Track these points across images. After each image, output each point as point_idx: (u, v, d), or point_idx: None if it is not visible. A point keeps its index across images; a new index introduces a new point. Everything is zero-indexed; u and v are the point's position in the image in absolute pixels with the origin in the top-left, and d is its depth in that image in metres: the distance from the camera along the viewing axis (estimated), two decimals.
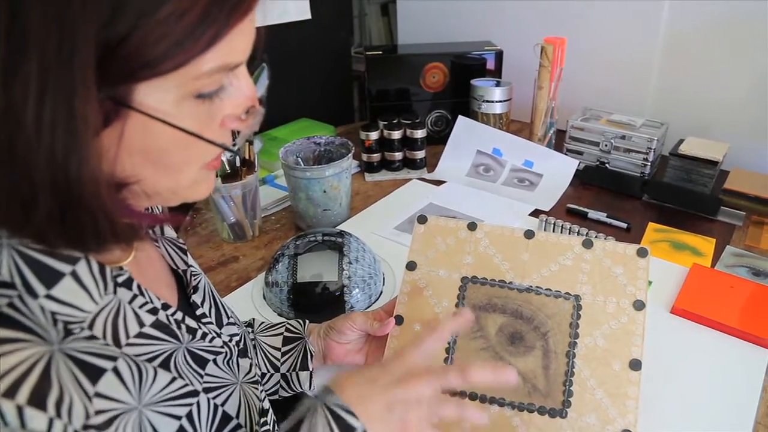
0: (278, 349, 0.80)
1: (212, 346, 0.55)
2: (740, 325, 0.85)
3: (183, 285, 0.61)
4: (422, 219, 0.79)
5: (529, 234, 0.75)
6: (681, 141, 1.26)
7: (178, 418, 0.48)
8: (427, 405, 0.54)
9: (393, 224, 1.20)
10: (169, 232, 0.62)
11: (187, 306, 0.58)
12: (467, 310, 0.68)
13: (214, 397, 0.53)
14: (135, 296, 0.48)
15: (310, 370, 0.78)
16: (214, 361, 0.55)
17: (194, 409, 0.50)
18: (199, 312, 0.59)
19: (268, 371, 0.79)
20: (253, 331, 0.83)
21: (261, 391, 0.63)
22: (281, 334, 0.81)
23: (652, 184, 1.26)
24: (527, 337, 0.71)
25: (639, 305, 0.70)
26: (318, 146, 1.27)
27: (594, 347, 0.70)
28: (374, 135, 1.40)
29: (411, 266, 0.77)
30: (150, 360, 0.48)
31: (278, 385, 0.80)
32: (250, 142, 1.18)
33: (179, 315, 0.53)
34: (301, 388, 0.79)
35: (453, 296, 0.75)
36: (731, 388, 0.78)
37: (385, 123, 1.41)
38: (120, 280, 0.47)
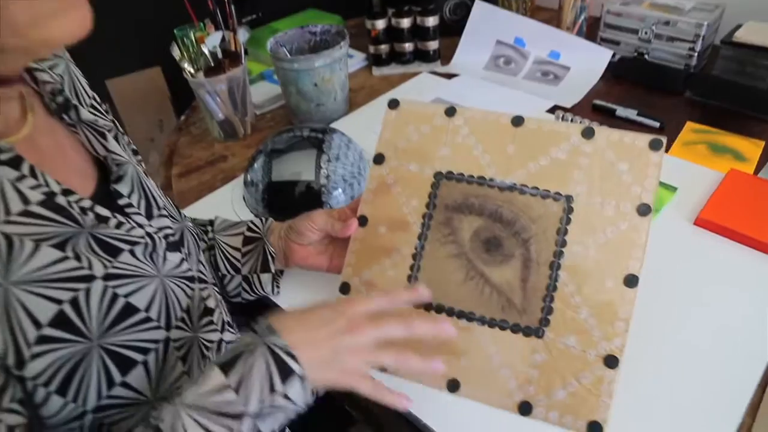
0: (238, 250, 0.72)
1: (128, 236, 0.50)
2: None
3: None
4: (393, 103, 0.67)
5: (517, 121, 0.63)
6: (738, 27, 1.06)
7: (59, 302, 0.44)
8: (370, 351, 0.51)
9: None
10: (86, 115, 0.54)
11: (107, 195, 0.52)
12: (425, 290, 0.56)
13: (116, 286, 0.48)
14: (23, 177, 0.43)
15: (273, 272, 0.70)
16: (131, 251, 0.50)
17: (82, 295, 0.45)
18: (122, 201, 0.53)
19: (229, 273, 0.72)
20: (212, 230, 0.75)
21: (205, 289, 0.59)
22: (242, 233, 0.73)
23: (698, 78, 1.08)
24: (506, 244, 0.60)
25: (644, 210, 0.57)
26: (313, 36, 1.14)
27: (584, 258, 0.58)
28: (381, 24, 1.25)
29: (378, 159, 0.66)
30: (41, 240, 0.43)
31: (240, 287, 0.73)
32: (235, 33, 1.06)
33: (87, 202, 0.48)
34: (264, 291, 0.73)
35: (424, 195, 0.64)
36: (755, 311, 0.65)
37: (394, 10, 1.25)
38: (2, 158, 0.42)
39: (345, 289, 0.65)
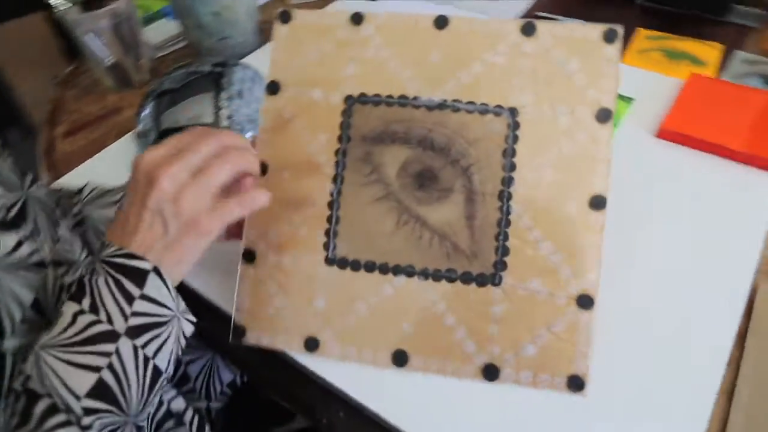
0: None
1: None
2: (748, 147, 0.62)
3: None
4: (285, 16, 0.53)
5: (441, 22, 0.50)
6: None
7: None
8: (186, 184, 0.40)
9: None
10: None
11: None
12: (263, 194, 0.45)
13: None
14: None
15: None
16: None
17: None
18: None
19: None
20: (81, 201, 0.59)
21: (66, 274, 0.45)
22: (118, 201, 0.58)
23: None
24: (442, 176, 0.48)
25: (604, 115, 0.47)
26: None
27: (538, 182, 0.47)
28: None
29: (272, 88, 0.52)
30: None
31: None
32: None
33: None
34: None
35: (334, 126, 0.50)
36: (727, 226, 0.57)
37: None
38: None
39: (250, 257, 0.51)
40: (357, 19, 0.51)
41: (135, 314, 0.38)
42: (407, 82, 0.50)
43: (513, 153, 0.47)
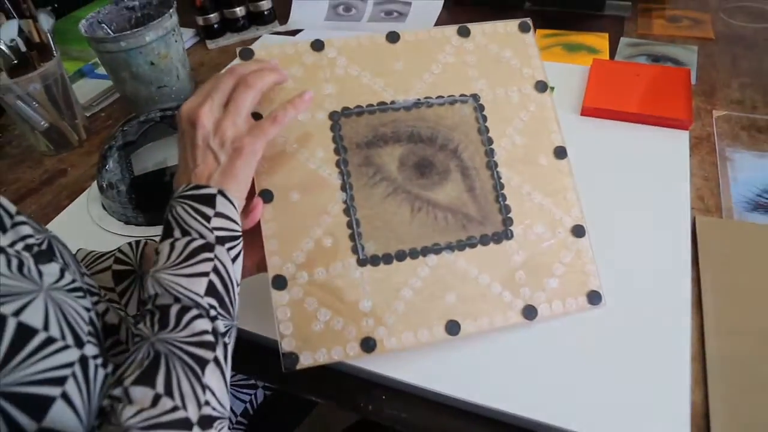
0: (113, 290, 0.54)
1: None
2: (656, 110, 0.76)
3: None
4: (246, 53, 0.55)
5: (392, 37, 0.57)
6: None
7: None
8: (224, 116, 0.47)
9: None
10: None
11: None
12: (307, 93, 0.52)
13: None
14: None
15: None
16: None
17: None
18: None
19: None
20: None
21: (98, 303, 0.45)
22: (109, 268, 0.54)
23: None
24: (437, 162, 0.55)
25: (541, 86, 0.58)
26: (132, 12, 0.94)
27: (513, 148, 0.56)
28: None
29: (256, 119, 0.54)
30: None
31: None
32: (34, 19, 0.83)
33: None
34: None
35: (327, 141, 0.54)
36: (660, 178, 0.68)
37: None
38: None
39: (280, 283, 0.51)
40: (318, 45, 0.56)
41: (215, 229, 0.43)
42: (382, 91, 0.56)
43: (487, 130, 0.56)
